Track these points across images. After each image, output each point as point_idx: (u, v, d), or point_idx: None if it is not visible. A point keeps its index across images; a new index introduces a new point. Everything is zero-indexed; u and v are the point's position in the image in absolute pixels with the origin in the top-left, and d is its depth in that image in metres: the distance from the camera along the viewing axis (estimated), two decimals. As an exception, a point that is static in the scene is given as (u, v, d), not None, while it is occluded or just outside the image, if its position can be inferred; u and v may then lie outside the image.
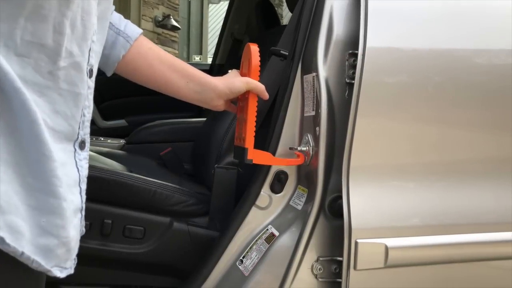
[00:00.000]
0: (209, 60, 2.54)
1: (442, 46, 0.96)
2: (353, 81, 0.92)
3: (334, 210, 0.94)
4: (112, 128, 2.39)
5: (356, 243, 0.86)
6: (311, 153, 0.96)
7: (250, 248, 1.00)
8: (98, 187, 1.05)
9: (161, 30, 6.28)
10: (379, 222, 0.88)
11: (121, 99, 2.47)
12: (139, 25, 4.76)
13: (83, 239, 1.09)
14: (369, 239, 0.86)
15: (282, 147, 1.01)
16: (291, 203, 1.00)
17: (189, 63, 1.08)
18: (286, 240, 0.95)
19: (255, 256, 0.97)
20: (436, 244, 0.89)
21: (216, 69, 2.55)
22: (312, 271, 0.93)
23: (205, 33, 7.29)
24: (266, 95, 0.98)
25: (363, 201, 0.88)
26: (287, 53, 1.07)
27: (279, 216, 1.02)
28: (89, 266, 1.06)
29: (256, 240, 1.00)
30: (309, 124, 0.98)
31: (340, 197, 0.95)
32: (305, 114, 1.00)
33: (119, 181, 1.05)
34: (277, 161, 0.96)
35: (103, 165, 1.26)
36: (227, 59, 2.52)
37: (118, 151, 1.66)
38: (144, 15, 5.92)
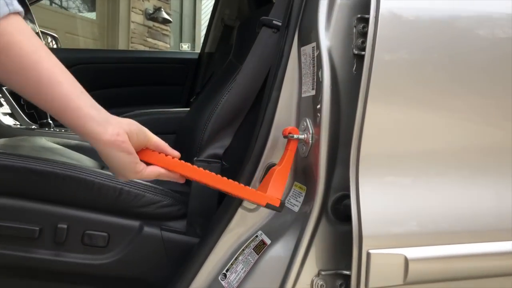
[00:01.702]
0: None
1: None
2: (362, 53, 0.74)
3: (339, 212, 0.76)
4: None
5: (368, 254, 0.67)
6: (310, 141, 0.77)
7: (236, 259, 0.81)
8: (50, 184, 0.86)
9: (152, 23, 6.06)
10: (396, 228, 0.70)
11: (100, 90, 2.30)
12: (129, 18, 4.56)
13: (30, 248, 0.91)
14: (384, 249, 0.68)
15: (274, 134, 0.82)
16: (286, 203, 0.82)
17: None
18: (279, 249, 0.77)
19: (241, 269, 0.78)
20: (470, 254, 0.70)
21: (205, 58, 2.37)
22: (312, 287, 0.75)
23: (198, 27, 7.08)
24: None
25: (376, 201, 0.70)
26: (280, 23, 0.89)
27: (271, 220, 0.83)
28: (37, 280, 0.87)
29: (243, 250, 0.81)
30: (308, 107, 0.80)
31: (347, 197, 0.76)
32: (303, 95, 0.82)
33: (76, 177, 0.86)
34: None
35: (65, 159, 1.07)
36: (217, 47, 2.34)
37: (89, 144, 1.46)
38: (134, 7, 5.70)
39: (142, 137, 0.66)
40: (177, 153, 0.72)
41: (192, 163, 0.90)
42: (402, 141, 0.73)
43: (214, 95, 1.12)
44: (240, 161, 0.87)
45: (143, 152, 0.68)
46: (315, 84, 0.77)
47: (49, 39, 2.70)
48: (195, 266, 0.83)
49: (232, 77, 1.04)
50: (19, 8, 0.56)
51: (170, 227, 0.92)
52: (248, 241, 0.82)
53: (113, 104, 2.23)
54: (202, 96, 1.43)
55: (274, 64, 0.84)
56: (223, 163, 0.93)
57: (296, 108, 0.82)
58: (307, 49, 0.79)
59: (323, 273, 0.75)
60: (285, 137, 0.78)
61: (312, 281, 0.75)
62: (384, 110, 0.72)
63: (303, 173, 0.79)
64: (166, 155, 0.71)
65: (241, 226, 0.83)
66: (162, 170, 0.69)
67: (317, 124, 0.76)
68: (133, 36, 5.72)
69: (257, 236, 0.82)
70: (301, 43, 0.82)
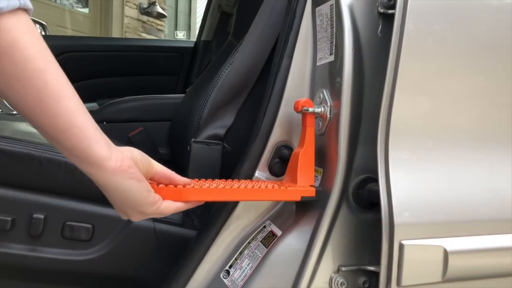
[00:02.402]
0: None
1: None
2: (390, 11, 0.63)
3: (361, 198, 0.65)
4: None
5: (400, 245, 0.56)
6: (328, 116, 0.66)
7: (240, 253, 0.70)
8: (24, 168, 0.74)
9: (146, 18, 5.93)
10: (434, 215, 0.59)
11: (93, 80, 2.19)
12: (122, 12, 4.43)
13: (1, 242, 0.80)
14: (419, 240, 0.57)
15: (285, 109, 0.71)
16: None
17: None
18: (292, 241, 0.65)
19: (247, 265, 0.67)
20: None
21: (201, 46, 2.26)
22: (330, 286, 0.64)
23: (193, 23, 6.95)
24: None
25: (410, 184, 0.59)
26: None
27: (282, 208, 0.72)
28: (10, 279, 0.75)
29: (249, 242, 0.70)
30: (324, 76, 0.69)
31: (371, 180, 0.65)
32: (318, 62, 0.70)
33: (55, 159, 0.75)
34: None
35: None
36: (214, 35, 2.23)
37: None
38: (128, 1, 5.56)
39: (147, 164, 0.54)
40: (187, 180, 0.60)
41: (190, 146, 0.79)
42: (440, 114, 0.62)
43: (212, 75, 1.00)
44: (244, 143, 0.75)
45: (155, 189, 0.55)
46: (333, 48, 0.66)
47: (37, 26, 2.57)
48: (193, 262, 0.71)
49: (232, 54, 0.92)
50: (29, 4, 0.44)
51: (164, 218, 0.81)
52: (255, 233, 0.71)
53: (104, 95, 2.12)
54: (199, 79, 1.31)
55: (284, 29, 0.73)
56: (224, 145, 0.81)
57: (310, 78, 0.71)
58: (324, 8, 0.68)
59: (343, 269, 0.64)
60: (298, 112, 0.66)
61: (331, 279, 0.64)
62: (418, 79, 0.61)
63: (318, 153, 0.68)
64: (175, 185, 0.58)
65: (245, 216, 0.72)
66: (178, 204, 0.57)
67: (336, 95, 0.65)
68: (126, 31, 5.58)
69: (265, 226, 0.70)
70: (316, 3, 0.70)
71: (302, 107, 0.65)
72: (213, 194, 0.58)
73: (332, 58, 0.66)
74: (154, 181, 0.57)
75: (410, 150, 0.60)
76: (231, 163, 0.78)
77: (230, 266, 0.69)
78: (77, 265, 0.76)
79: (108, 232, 0.78)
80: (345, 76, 0.63)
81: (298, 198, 0.62)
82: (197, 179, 0.64)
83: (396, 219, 0.57)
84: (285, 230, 0.67)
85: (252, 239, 0.70)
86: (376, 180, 0.66)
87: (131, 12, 5.69)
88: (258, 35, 0.77)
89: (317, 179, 0.68)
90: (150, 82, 2.26)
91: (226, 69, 0.83)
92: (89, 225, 0.76)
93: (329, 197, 0.64)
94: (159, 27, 6.20)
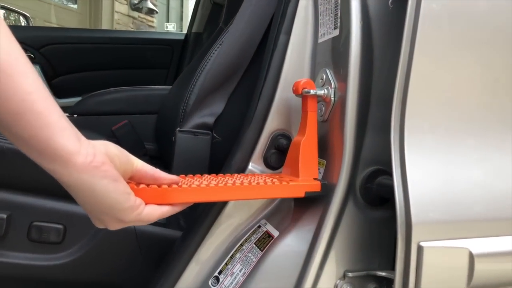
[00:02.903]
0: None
1: None
2: (402, -21, 0.55)
3: (370, 193, 0.57)
4: (67, 108, 2.00)
5: (419, 248, 0.48)
6: (332, 99, 0.58)
7: (232, 257, 0.61)
8: (-17, 160, 0.65)
9: (137, 14, 5.82)
10: (457, 212, 0.50)
11: (78, 73, 2.10)
12: (112, 8, 4.32)
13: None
14: (441, 241, 0.49)
15: (282, 93, 0.62)
16: (297, 183, 0.62)
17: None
18: (291, 243, 0.57)
19: (240, 270, 0.58)
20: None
21: (192, 39, 2.17)
22: (335, 295, 0.55)
23: (185, 19, 6.84)
24: None
25: (429, 177, 0.50)
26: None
27: (279, 206, 0.63)
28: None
29: (241, 245, 0.61)
30: (327, 53, 0.60)
31: (381, 172, 0.57)
32: (320, 39, 0.62)
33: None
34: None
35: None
36: (205, 27, 2.14)
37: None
38: (118, -3, 5.46)
39: (125, 161, 0.45)
40: (174, 178, 0.50)
41: (174, 136, 0.70)
42: (464, 96, 0.53)
43: (200, 61, 0.92)
44: (236, 133, 0.67)
45: (135, 190, 0.46)
46: (338, 21, 0.58)
47: (21, 18, 2.47)
48: (178, 267, 0.63)
49: (222, 35, 0.83)
50: None
51: (145, 217, 0.72)
52: (248, 234, 0.62)
53: (90, 89, 2.01)
54: (187, 69, 1.22)
55: (280, 2, 0.64)
56: (214, 135, 0.72)
57: (310, 57, 0.63)
58: (327, -23, 0.59)
59: (350, 275, 0.55)
60: (298, 95, 0.58)
61: (336, 286, 0.55)
62: (439, 54, 0.52)
63: (321, 142, 0.59)
64: (159, 185, 0.48)
65: (237, 214, 0.63)
66: (164, 209, 0.48)
67: (341, 76, 0.57)
68: (116, 27, 5.46)
69: (259, 226, 0.62)
70: (318, -28, 0.62)
71: (303, 89, 0.57)
72: (204, 194, 0.49)
73: (336, 32, 0.58)
74: (134, 180, 0.48)
75: (430, 136, 0.51)
76: (221, 155, 0.69)
77: (220, 272, 0.61)
78: (46, 271, 0.67)
79: (81, 234, 0.69)
80: (352, 53, 0.55)
81: (302, 194, 0.54)
82: (183, 175, 0.55)
83: (414, 217, 0.48)
84: (283, 230, 0.58)
85: (245, 240, 0.61)
86: (387, 173, 0.57)
87: (122, 8, 5.58)
88: (251, 10, 0.68)
89: (319, 172, 0.60)
90: (138, 75, 2.17)
91: (215, 51, 0.74)
92: (60, 226, 0.67)
93: (333, 193, 0.55)
94: (150, 23, 6.09)
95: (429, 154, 0.51)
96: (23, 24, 2.45)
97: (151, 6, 5.80)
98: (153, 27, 6.08)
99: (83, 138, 0.40)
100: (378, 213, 0.57)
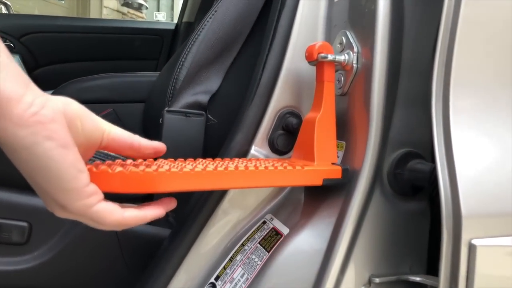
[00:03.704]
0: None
1: None
2: None
3: (401, 180, 0.46)
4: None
5: (471, 247, 0.38)
6: (354, 67, 0.47)
7: (231, 260, 0.50)
8: None
9: (127, 9, 5.68)
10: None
11: (62, 64, 1.98)
12: (101, 3, 4.20)
13: None
14: (498, 239, 0.39)
15: (291, 63, 0.52)
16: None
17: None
18: (305, 242, 0.46)
19: (241, 275, 0.48)
20: None
21: (183, 29, 2.06)
22: (359, 306, 0.45)
23: (176, 9, 6.70)
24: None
25: (482, 160, 0.40)
26: None
27: (286, 197, 0.53)
28: None
29: (243, 245, 0.51)
30: (346, 13, 0.50)
31: (413, 155, 0.47)
32: (337, -2, 0.52)
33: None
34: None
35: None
36: (196, 17, 2.04)
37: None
38: (107, -8, 5.33)
39: (90, 126, 0.34)
40: (157, 144, 0.39)
41: (162, 117, 0.59)
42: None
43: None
44: (235, 113, 0.56)
45: (95, 174, 0.34)
46: (361, -27, 0.47)
47: (2, 7, 2.34)
48: (166, 272, 0.52)
49: (216, 2, 0.72)
50: None
51: (127, 212, 0.61)
52: (251, 231, 0.51)
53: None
54: (178, 50, 1.11)
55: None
56: (208, 116, 0.62)
57: (325, 17, 0.52)
58: None
59: (377, 280, 0.45)
60: (312, 62, 0.47)
61: (360, 295, 0.45)
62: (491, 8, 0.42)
63: (339, 120, 0.49)
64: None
65: (237, 209, 0.53)
66: (132, 212, 0.36)
67: (366, 38, 0.46)
68: (106, 23, 5.33)
69: (264, 222, 0.51)
70: None
71: (318, 53, 0.46)
72: (199, 179, 0.37)
73: (359, -14, 0.48)
74: (109, 150, 0.37)
75: (484, 109, 0.41)
76: (218, 140, 0.59)
77: (217, 278, 0.50)
78: (7, 277, 0.56)
79: (50, 232, 0.58)
80: (380, 9, 0.45)
81: (320, 182, 0.44)
82: (172, 159, 0.45)
83: (464, 208, 0.38)
84: (294, 226, 0.48)
85: (248, 239, 0.50)
86: (419, 156, 0.47)
87: (111, 3, 5.45)
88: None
89: (337, 157, 0.49)
90: (126, 67, 2.06)
91: (210, 18, 0.63)
92: (24, 223, 0.56)
93: (356, 180, 0.45)
94: (140, 19, 5.95)
95: (482, 131, 0.41)
96: (3, 11, 2.32)
97: (141, 1, 5.67)
98: (143, 23, 5.95)
99: (34, 86, 0.30)
100: (410, 205, 0.47)
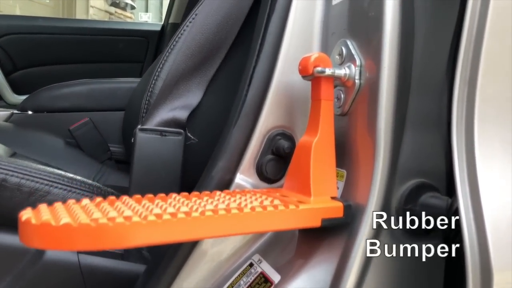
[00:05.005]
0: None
1: None
2: None
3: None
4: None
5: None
6: (357, 82, 0.40)
7: (212, 310, 0.43)
8: None
9: (114, 9, 5.57)
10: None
11: (42, 67, 1.89)
12: (87, 3, 4.09)
13: None
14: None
15: (282, 73, 0.44)
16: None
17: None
18: (299, 294, 0.39)
19: (224, 331, 0.40)
20: None
21: (169, 30, 1.99)
22: None
23: (165, 10, 6.61)
24: None
25: (513, 196, 0.33)
26: None
27: (279, 234, 0.45)
28: None
29: (226, 293, 0.43)
30: (346, 18, 0.42)
31: (426, 187, 0.40)
32: (334, 1, 0.44)
33: None
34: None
35: None
36: (183, 17, 1.96)
37: (1, 124, 1.04)
38: (93, -9, 5.21)
39: None
40: None
41: (134, 136, 0.51)
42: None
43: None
44: (218, 131, 0.48)
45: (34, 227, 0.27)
46: (364, -29, 0.40)
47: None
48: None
49: (197, 5, 0.64)
50: None
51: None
52: (235, 276, 0.44)
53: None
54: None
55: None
56: (188, 134, 0.54)
57: (321, 23, 0.45)
58: None
59: (385, 338, 0.38)
60: (306, 76, 0.40)
61: None
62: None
63: (338, 145, 0.41)
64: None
65: (220, 245, 0.45)
66: None
67: (371, 49, 0.39)
68: (92, 23, 5.22)
69: (251, 264, 0.44)
70: None
71: (315, 67, 0.39)
72: (165, 230, 0.30)
73: (362, -13, 0.40)
74: None
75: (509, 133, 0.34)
76: (199, 161, 0.51)
77: (196, 332, 0.42)
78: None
79: (4, 270, 0.50)
80: (388, 14, 0.37)
81: (318, 223, 0.36)
82: (139, 196, 0.37)
83: (495, 258, 0.31)
84: (286, 272, 0.40)
85: (232, 285, 0.43)
86: (433, 188, 0.40)
87: (97, 2, 5.34)
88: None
89: (337, 188, 0.42)
90: (109, 70, 1.97)
91: (189, 23, 0.55)
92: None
93: (361, 219, 0.38)
94: (128, 19, 5.84)
95: (508, 159, 0.34)
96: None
97: (129, 1, 5.58)
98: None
99: None
100: (421, 246, 0.40)
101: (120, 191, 0.63)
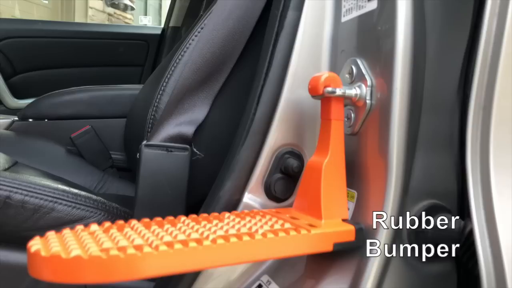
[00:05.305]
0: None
1: None
2: None
3: (425, 240, 0.38)
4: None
5: None
6: (368, 103, 0.39)
7: (221, 333, 0.42)
8: None
9: (113, 10, 5.56)
10: None
11: (41, 71, 1.88)
12: (86, 4, 4.08)
13: None
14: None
15: (291, 91, 0.44)
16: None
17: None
18: (310, 318, 0.38)
19: None
20: None
21: (170, 33, 1.98)
22: None
23: (164, 13, 6.60)
24: None
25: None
26: None
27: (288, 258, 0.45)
28: None
29: (235, 315, 0.43)
30: (356, 36, 0.42)
31: (438, 209, 0.39)
32: (344, 16, 0.43)
33: None
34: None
35: None
36: (184, 21, 1.96)
37: (2, 132, 1.03)
38: (92, -8, 5.20)
39: None
40: None
41: (139, 151, 0.51)
42: None
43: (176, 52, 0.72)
44: (225, 148, 0.48)
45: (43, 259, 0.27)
46: (375, -11, 0.39)
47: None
48: None
49: (203, 18, 0.64)
50: None
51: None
52: (244, 297, 0.43)
53: (54, 89, 1.80)
54: (161, 64, 1.03)
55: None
56: (194, 150, 0.53)
57: (330, 41, 0.44)
58: None
59: None
60: (316, 96, 0.39)
61: None
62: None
63: (349, 165, 0.41)
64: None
65: (226, 269, 0.44)
66: None
67: (382, 68, 0.38)
68: (91, 24, 5.20)
69: (260, 286, 0.43)
70: None
71: (325, 87, 0.38)
72: (178, 261, 0.29)
73: (373, 5, 0.39)
74: None
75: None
76: (206, 177, 0.50)
77: None
78: None
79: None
80: (400, 33, 0.37)
81: (330, 248, 0.36)
82: (148, 219, 0.36)
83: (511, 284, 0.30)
84: (296, 295, 0.40)
85: (240, 308, 0.42)
86: (445, 209, 0.40)
87: (96, 3, 5.33)
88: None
89: (348, 208, 0.41)
90: (109, 74, 1.96)
91: (195, 36, 0.55)
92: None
93: (371, 240, 0.37)
94: (127, 20, 5.83)
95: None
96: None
97: (128, 2, 5.56)
98: (130, 24, 5.82)
99: None
100: (433, 268, 0.40)
101: (124, 202, 0.62)
